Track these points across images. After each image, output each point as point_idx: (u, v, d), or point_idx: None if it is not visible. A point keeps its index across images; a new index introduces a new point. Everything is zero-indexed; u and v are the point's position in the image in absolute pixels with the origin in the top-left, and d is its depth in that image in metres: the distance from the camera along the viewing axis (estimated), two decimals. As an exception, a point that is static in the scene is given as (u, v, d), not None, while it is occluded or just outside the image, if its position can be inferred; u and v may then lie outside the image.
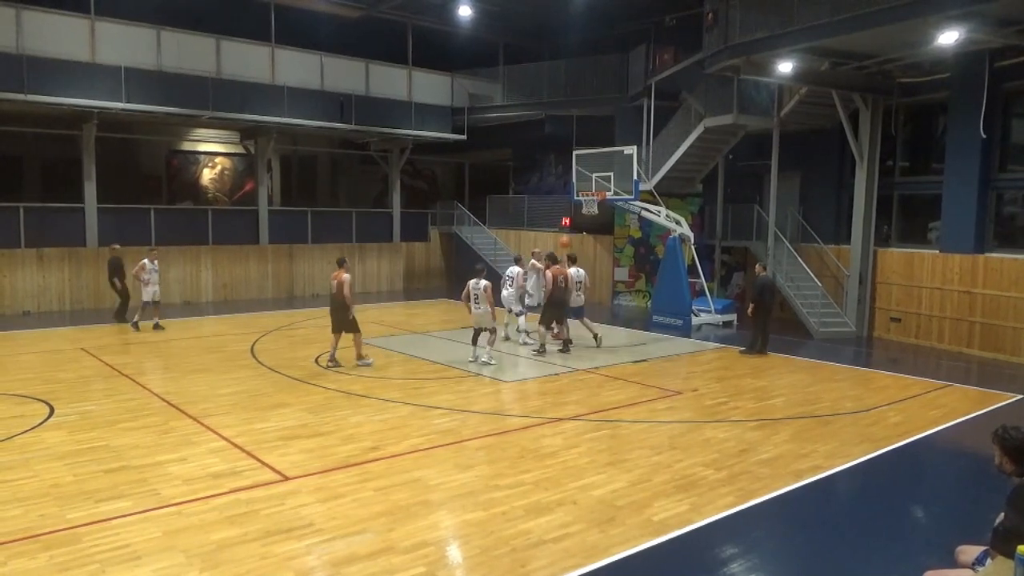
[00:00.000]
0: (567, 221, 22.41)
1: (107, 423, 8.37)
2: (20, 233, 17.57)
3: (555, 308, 12.96)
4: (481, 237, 24.52)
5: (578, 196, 17.60)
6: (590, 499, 6.31)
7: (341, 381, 10.61)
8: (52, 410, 8.87)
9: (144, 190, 21.98)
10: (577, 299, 13.68)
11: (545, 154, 25.22)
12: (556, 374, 11.52)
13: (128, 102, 17.42)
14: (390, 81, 22.07)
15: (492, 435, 8.14)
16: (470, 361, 11.84)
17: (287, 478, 6.71)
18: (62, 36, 16.77)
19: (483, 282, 11.64)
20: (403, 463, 7.17)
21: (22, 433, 7.97)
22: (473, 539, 5.54)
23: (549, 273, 13.11)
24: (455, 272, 25.20)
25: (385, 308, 19.27)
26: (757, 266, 14.07)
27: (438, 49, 23.18)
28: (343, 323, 11.51)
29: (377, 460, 7.24)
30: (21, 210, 17.81)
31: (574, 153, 18.05)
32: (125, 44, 17.54)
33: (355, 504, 6.12)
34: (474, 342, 11.98)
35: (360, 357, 11.55)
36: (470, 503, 6.20)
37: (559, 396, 10.07)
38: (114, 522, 5.69)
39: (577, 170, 17.54)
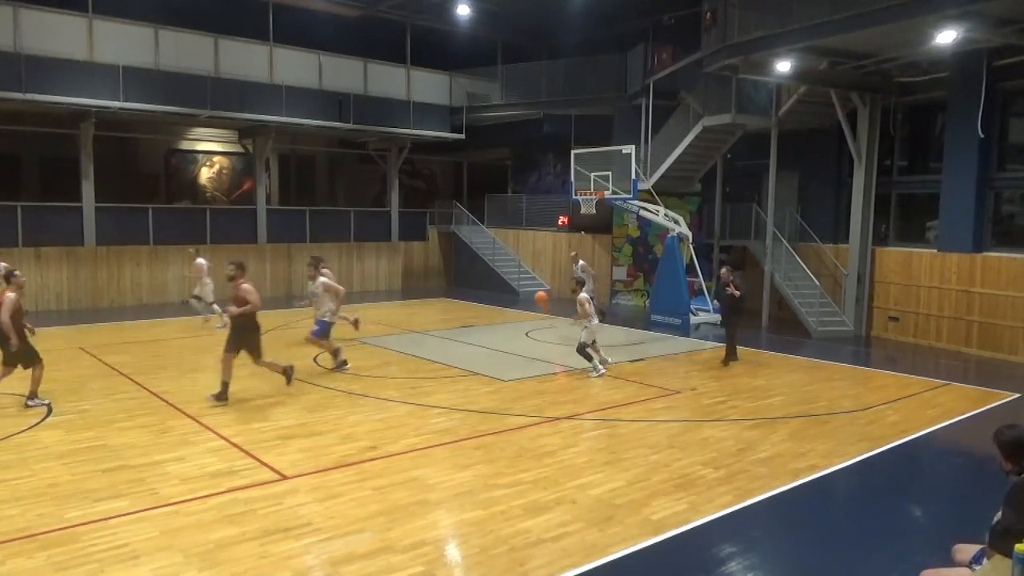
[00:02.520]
0: (566, 220, 22.43)
1: (105, 422, 8.37)
2: (18, 232, 17.55)
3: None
4: (480, 236, 24.53)
5: (576, 195, 17.61)
6: (588, 498, 6.32)
7: (339, 380, 10.61)
8: (50, 409, 8.86)
9: (142, 189, 21.97)
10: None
11: (544, 153, 25.23)
12: (554, 373, 11.52)
13: (126, 101, 17.40)
14: (389, 80, 22.06)
15: (490, 434, 8.14)
16: (594, 375, 11.24)
17: (285, 477, 6.70)
18: (60, 35, 16.73)
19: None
20: (401, 462, 7.17)
21: (19, 433, 7.95)
22: (471, 538, 5.54)
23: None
24: (453, 271, 25.20)
25: (383, 307, 19.26)
26: (723, 271, 12.79)
27: (437, 48, 23.19)
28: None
29: (375, 459, 7.24)
30: (19, 209, 17.79)
31: (572, 152, 18.07)
32: (123, 43, 17.51)
33: (353, 503, 6.12)
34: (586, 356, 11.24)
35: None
36: (468, 502, 6.20)
37: (557, 395, 10.07)
38: (112, 521, 5.68)
39: (576, 169, 17.56)
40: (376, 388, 10.17)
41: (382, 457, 7.31)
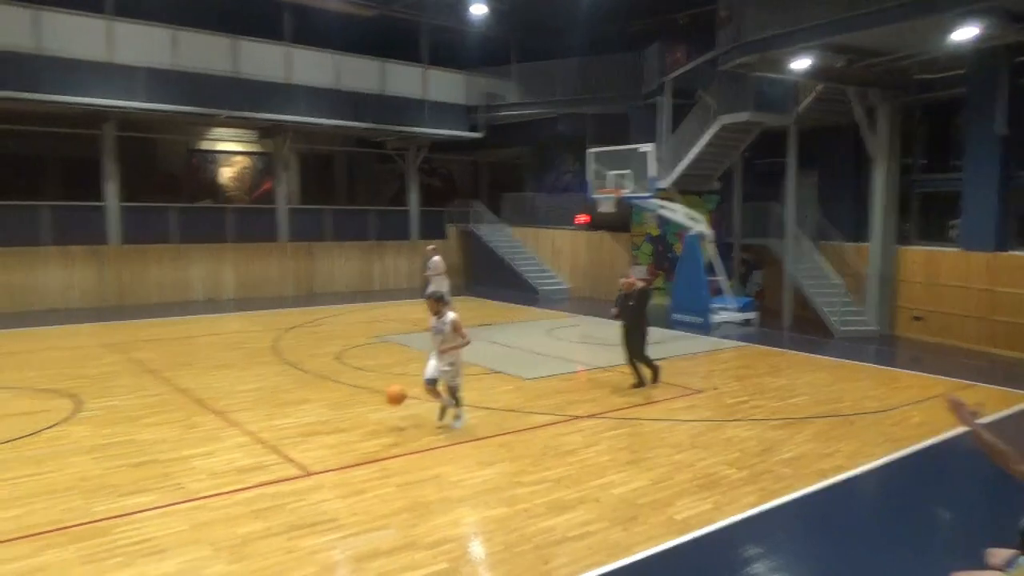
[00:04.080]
0: (584, 219, 22.39)
1: (132, 418, 8.47)
2: (42, 231, 17.79)
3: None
4: (498, 235, 24.56)
5: (595, 194, 17.57)
6: (612, 497, 6.31)
7: (362, 377, 10.66)
8: (78, 405, 8.99)
9: (164, 188, 22.20)
10: None
11: (560, 152, 25.20)
12: (575, 371, 11.52)
13: (145, 102, 17.59)
14: (405, 80, 22.11)
15: (512, 432, 8.16)
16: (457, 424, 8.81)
17: (310, 473, 6.76)
18: (79, 36, 16.92)
19: None
20: (424, 460, 7.20)
21: (49, 428, 8.08)
22: (495, 536, 5.56)
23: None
24: (472, 270, 25.24)
25: (404, 305, 19.33)
26: (625, 280, 10.67)
27: (452, 47, 23.23)
28: None
29: (398, 456, 7.28)
30: (43, 208, 18.03)
31: (589, 151, 18.03)
32: (142, 44, 17.68)
33: (377, 500, 6.16)
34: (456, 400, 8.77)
35: None
36: (492, 500, 6.22)
37: (578, 394, 10.06)
38: (140, 516, 5.76)
39: (593, 168, 17.52)
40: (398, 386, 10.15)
41: (405, 454, 7.35)
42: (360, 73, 21.20)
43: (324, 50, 20.58)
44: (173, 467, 6.87)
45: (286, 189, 22.05)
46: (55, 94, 16.49)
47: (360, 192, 27.17)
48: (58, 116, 18.10)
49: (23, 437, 7.73)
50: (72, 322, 15.88)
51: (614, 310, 10.57)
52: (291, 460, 7.11)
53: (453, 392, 8.29)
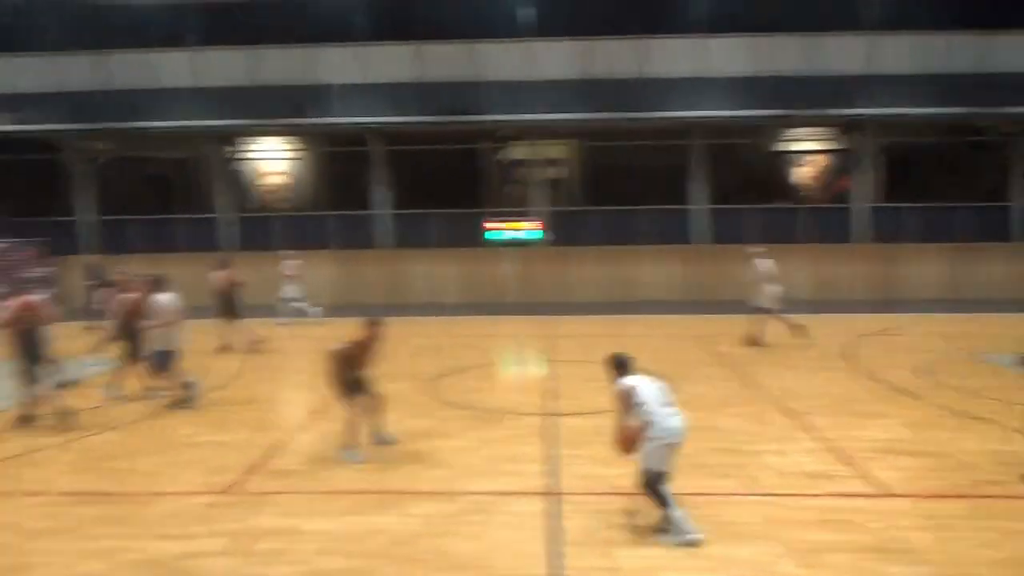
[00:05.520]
0: None
1: (714, 406, 9.16)
2: (640, 232, 20.68)
3: None
4: None
5: None
6: None
7: (949, 398, 9.43)
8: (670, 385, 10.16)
9: (747, 191, 23.32)
10: None
11: None
12: None
13: (729, 110, 18.91)
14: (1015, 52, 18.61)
15: None
16: None
17: (888, 494, 6.33)
18: (676, 57, 19.13)
19: None
20: (1033, 507, 6.04)
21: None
22: None
23: None
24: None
25: (1005, 319, 16.32)
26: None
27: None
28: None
29: (999, 497, 6.25)
30: (639, 212, 20.89)
31: None
32: (731, 56, 19.01)
33: (972, 543, 5.40)
34: None
35: None
36: None
37: None
38: (718, 498, 6.25)
39: None
40: (990, 410, 8.70)
41: (1008, 496, 6.27)
42: (955, 51, 18.67)
43: (910, 31, 18.81)
44: (748, 459, 7.24)
45: (868, 187, 20.88)
46: (653, 111, 19.05)
47: (945, 187, 23.95)
48: (653, 130, 20.73)
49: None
50: (663, 312, 18.09)
51: None
52: (864, 476, 6.77)
53: None
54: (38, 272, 18.09)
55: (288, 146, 24.43)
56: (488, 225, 20.84)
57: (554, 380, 10.97)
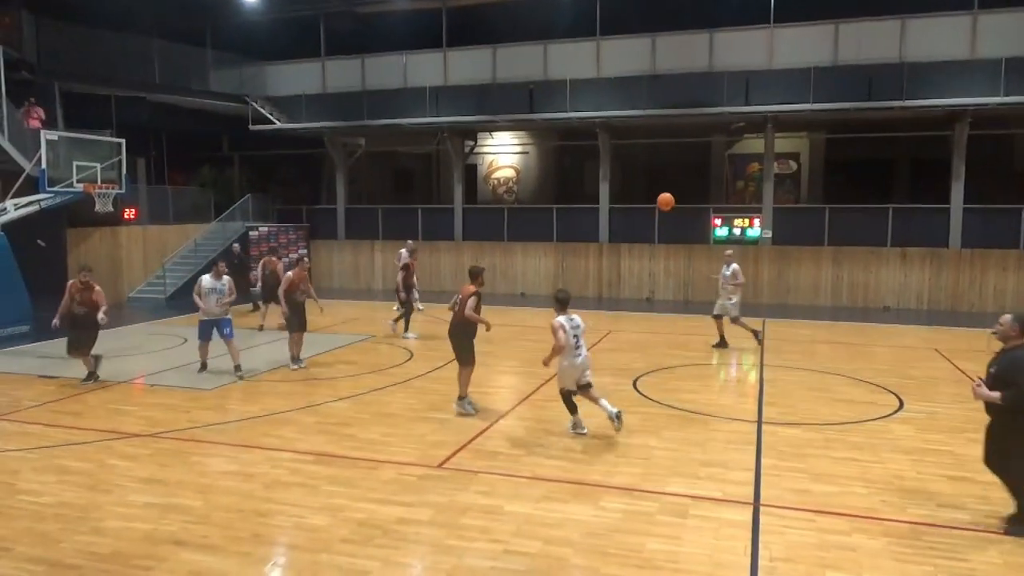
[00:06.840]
0: None
1: (953, 428, 8.20)
2: (887, 232, 18.78)
3: None
4: None
5: None
6: None
7: None
8: (901, 404, 9.24)
9: (1016, 189, 20.35)
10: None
11: None
12: None
13: (1005, 96, 16.41)
14: None
15: None
16: None
17: None
18: (940, 37, 17.05)
19: None
20: None
21: (872, 420, 8.57)
22: None
23: None
24: None
25: None
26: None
27: None
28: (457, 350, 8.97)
29: None
30: (889, 211, 18.97)
31: None
32: (1006, 35, 16.53)
33: None
34: None
35: None
36: None
37: None
38: (954, 532, 5.55)
39: None
40: None
41: None
42: None
43: None
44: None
45: None
46: (913, 99, 17.11)
47: None
48: (909, 120, 18.66)
49: (849, 423, 8.43)
50: (904, 322, 16.34)
51: None
52: None
53: None
54: (301, 252, 20.64)
55: (518, 141, 25.50)
56: (715, 222, 20.14)
57: (770, 386, 10.38)
